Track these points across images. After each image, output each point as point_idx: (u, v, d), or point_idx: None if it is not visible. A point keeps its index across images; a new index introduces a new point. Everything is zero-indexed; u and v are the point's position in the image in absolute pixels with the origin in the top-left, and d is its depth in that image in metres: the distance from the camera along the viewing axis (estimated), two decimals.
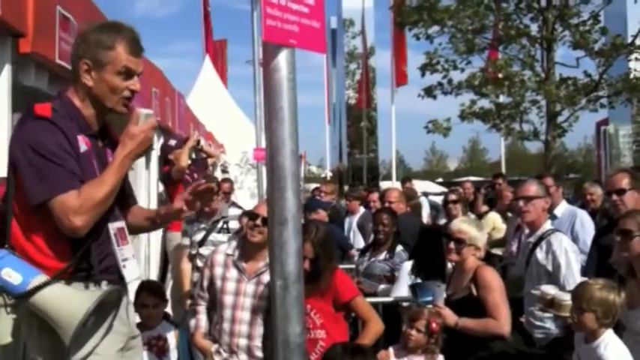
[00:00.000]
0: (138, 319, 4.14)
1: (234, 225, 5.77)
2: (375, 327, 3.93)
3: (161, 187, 7.20)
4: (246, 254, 3.95)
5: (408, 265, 5.46)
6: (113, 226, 2.57)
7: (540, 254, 4.40)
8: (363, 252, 6.30)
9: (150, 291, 4.40)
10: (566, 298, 3.68)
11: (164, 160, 7.10)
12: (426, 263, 5.51)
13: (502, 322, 3.88)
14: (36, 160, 2.36)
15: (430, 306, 3.98)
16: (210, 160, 9.06)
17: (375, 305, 4.57)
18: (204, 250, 5.64)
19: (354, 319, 4.49)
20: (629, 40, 15.97)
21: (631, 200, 4.29)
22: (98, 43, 2.49)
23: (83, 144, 2.48)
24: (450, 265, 4.59)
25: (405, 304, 5.18)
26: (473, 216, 7.43)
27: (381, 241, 5.82)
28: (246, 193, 12.99)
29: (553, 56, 16.11)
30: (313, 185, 18.65)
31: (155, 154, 6.80)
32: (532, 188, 4.67)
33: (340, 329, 3.99)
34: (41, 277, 2.35)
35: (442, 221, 8.28)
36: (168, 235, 7.12)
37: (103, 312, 2.45)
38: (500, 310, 3.88)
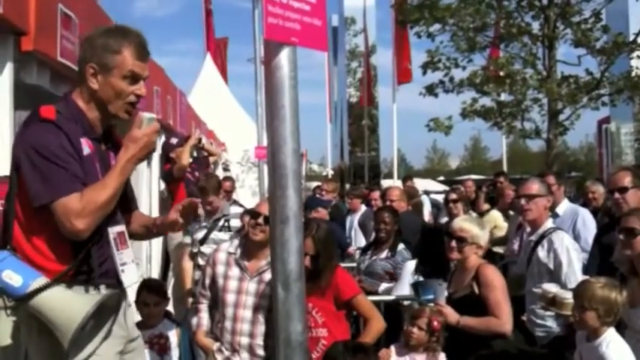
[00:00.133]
0: (139, 318, 4.14)
1: (235, 223, 5.77)
2: (377, 325, 3.93)
3: (162, 186, 7.21)
4: (248, 253, 3.95)
5: (411, 264, 5.46)
6: (113, 230, 2.57)
7: (542, 252, 4.40)
8: (364, 250, 6.30)
9: (151, 289, 4.40)
10: (568, 297, 3.67)
11: (165, 159, 7.11)
12: (430, 264, 5.52)
13: (504, 320, 3.87)
14: (39, 162, 2.36)
15: (432, 304, 3.98)
16: (211, 159, 9.06)
17: (376, 304, 4.57)
18: (206, 249, 5.64)
19: (355, 317, 4.50)
20: (631, 38, 15.95)
21: (633, 198, 4.28)
22: (105, 47, 2.50)
23: (86, 147, 2.48)
24: (452, 264, 4.59)
25: (406, 302, 5.18)
26: (474, 214, 7.43)
27: (383, 239, 5.82)
28: (248, 192, 12.98)
29: (555, 54, 16.09)
30: (314, 184, 18.64)
31: (156, 152, 6.80)
32: (534, 187, 4.67)
33: (342, 328, 3.99)
34: (41, 280, 2.35)
35: (444, 219, 8.27)
36: (170, 233, 7.12)
37: (102, 316, 2.45)
38: (501, 308, 3.87)
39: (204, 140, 8.65)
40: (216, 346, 3.92)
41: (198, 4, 20.19)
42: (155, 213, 6.93)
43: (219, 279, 3.96)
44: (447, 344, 3.95)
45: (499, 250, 6.91)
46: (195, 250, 5.80)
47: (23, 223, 2.46)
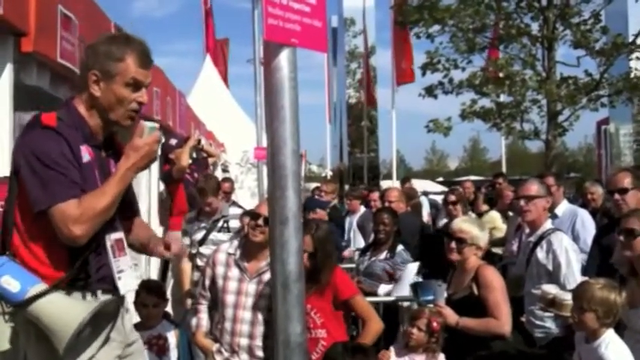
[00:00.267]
0: (137, 319, 4.14)
1: (234, 224, 5.77)
2: (375, 326, 3.93)
3: (162, 187, 7.20)
4: (247, 254, 3.95)
5: (413, 266, 5.46)
6: (111, 238, 2.57)
7: (541, 253, 4.40)
8: (363, 251, 6.31)
9: (150, 290, 4.39)
10: (567, 298, 3.67)
11: (165, 160, 7.09)
12: (429, 265, 5.53)
13: (503, 321, 3.88)
14: (39, 168, 2.36)
15: (431, 305, 3.98)
16: (210, 160, 9.06)
17: (376, 305, 4.57)
18: (205, 250, 5.64)
19: (354, 318, 4.50)
20: (630, 39, 15.94)
21: (633, 199, 4.29)
22: (108, 54, 2.50)
23: (86, 154, 2.48)
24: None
25: (405, 303, 5.18)
26: (473, 215, 7.43)
27: (382, 240, 5.82)
28: (247, 193, 12.98)
29: (554, 55, 16.08)
30: (314, 184, 18.65)
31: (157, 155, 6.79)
32: (533, 188, 4.67)
33: (340, 328, 3.99)
34: (39, 286, 2.35)
35: (443, 221, 8.27)
36: (169, 234, 7.11)
37: (99, 323, 2.45)
38: (501, 309, 3.88)
39: (203, 141, 8.65)
40: (215, 347, 3.92)
41: (198, 5, 20.15)
42: (154, 214, 6.93)
43: (218, 280, 3.96)
44: (446, 345, 3.95)
45: (498, 251, 6.91)
46: (194, 251, 5.79)
47: (22, 229, 2.46)
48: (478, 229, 4.17)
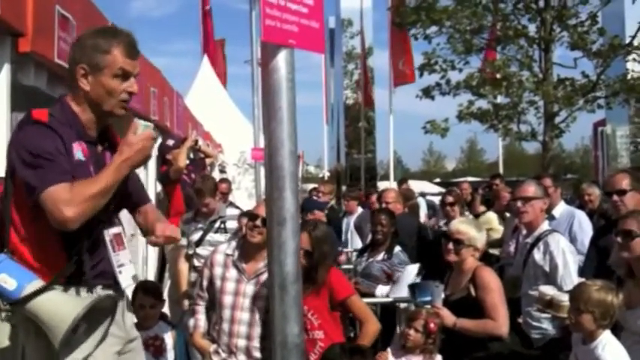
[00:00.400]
0: (135, 320, 4.14)
1: (231, 225, 5.77)
2: (372, 327, 3.93)
3: (159, 187, 7.20)
4: (245, 255, 3.95)
5: (412, 268, 5.46)
6: (109, 233, 2.58)
7: (538, 255, 4.40)
8: (361, 252, 6.30)
9: (147, 291, 4.39)
10: (565, 299, 3.67)
11: (162, 160, 7.10)
12: (426, 265, 5.53)
13: (500, 322, 3.88)
14: (30, 159, 2.36)
15: (428, 306, 3.98)
16: (208, 160, 9.07)
17: (373, 306, 4.57)
18: (202, 250, 5.64)
19: (351, 319, 4.49)
20: (627, 40, 15.96)
21: (631, 201, 4.29)
22: (95, 47, 2.49)
23: (79, 151, 2.48)
24: None
25: (403, 304, 5.18)
26: (470, 216, 7.43)
27: (380, 241, 5.83)
28: (244, 193, 12.98)
29: (551, 57, 16.09)
30: (311, 185, 18.64)
31: (153, 154, 6.80)
32: (530, 189, 4.67)
33: (337, 329, 4.00)
34: (36, 283, 2.36)
35: (442, 222, 8.27)
36: (165, 225, 7.10)
37: (96, 318, 2.45)
38: (498, 310, 3.88)
39: (200, 142, 8.65)
40: (213, 347, 3.91)
41: (196, 5, 20.18)
42: None
43: (216, 281, 3.96)
44: (443, 346, 3.95)
45: (495, 252, 6.91)
46: (191, 251, 5.79)
47: (18, 227, 2.46)
48: (476, 230, 4.17)
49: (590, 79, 15.88)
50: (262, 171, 8.84)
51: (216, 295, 3.95)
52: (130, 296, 3.80)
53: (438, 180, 44.72)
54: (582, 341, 3.39)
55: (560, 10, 15.75)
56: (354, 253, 7.93)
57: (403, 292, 5.08)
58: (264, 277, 3.75)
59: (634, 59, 15.74)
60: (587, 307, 3.28)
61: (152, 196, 6.80)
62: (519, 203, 4.64)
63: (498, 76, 15.99)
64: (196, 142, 7.96)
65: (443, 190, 13.56)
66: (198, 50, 19.14)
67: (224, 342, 3.86)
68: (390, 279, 5.57)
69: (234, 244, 4.09)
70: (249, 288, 3.87)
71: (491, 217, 7.74)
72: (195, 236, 5.78)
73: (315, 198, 10.39)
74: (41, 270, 2.41)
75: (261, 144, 8.65)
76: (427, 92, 17.11)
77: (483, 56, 17.19)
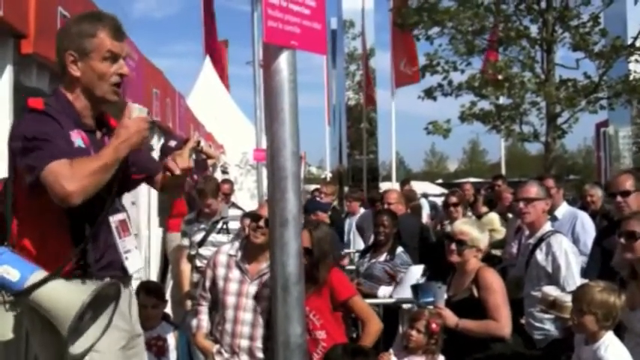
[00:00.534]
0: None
1: (233, 226, 5.78)
2: (375, 327, 3.93)
3: None
4: (249, 255, 3.95)
5: (416, 269, 5.45)
6: (114, 219, 2.60)
7: (540, 256, 4.40)
8: (363, 253, 6.30)
9: (149, 292, 4.40)
10: (568, 300, 3.67)
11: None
12: (429, 266, 5.52)
13: (503, 323, 3.87)
14: (28, 144, 2.36)
15: (431, 307, 3.98)
16: (210, 161, 9.06)
17: (376, 307, 4.56)
18: (204, 251, 5.65)
19: (354, 319, 4.49)
20: (629, 41, 15.93)
21: (635, 202, 4.28)
22: (80, 33, 2.50)
23: (79, 139, 2.48)
24: None
25: (405, 305, 5.17)
26: (473, 217, 7.42)
27: (382, 242, 5.82)
28: (246, 194, 12.97)
29: (553, 58, 16.07)
30: (313, 186, 18.64)
31: (155, 154, 6.80)
32: (533, 190, 4.67)
33: (340, 330, 4.00)
34: (39, 274, 2.37)
35: (444, 223, 8.26)
36: (168, 235, 7.13)
37: (101, 305, 2.45)
38: (501, 311, 3.87)
39: (202, 143, 8.66)
40: (215, 348, 3.92)
41: (197, 6, 20.14)
42: (154, 214, 6.94)
43: (219, 281, 3.96)
44: (445, 347, 3.95)
45: (497, 253, 6.90)
46: (193, 252, 5.80)
47: (21, 219, 2.47)
48: (478, 231, 4.17)
49: (592, 80, 15.85)
50: (264, 172, 8.84)
51: (218, 296, 3.95)
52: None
53: (440, 181, 44.69)
54: (585, 342, 3.39)
55: (562, 11, 15.73)
56: (357, 254, 7.92)
57: (406, 293, 5.08)
58: (267, 277, 3.75)
59: (636, 60, 15.70)
60: (590, 308, 3.28)
61: (154, 196, 6.81)
62: (522, 204, 4.64)
63: (500, 77, 15.98)
64: (198, 142, 7.96)
65: (445, 191, 13.56)
66: (200, 51, 19.13)
67: (227, 342, 3.86)
68: (392, 280, 5.56)
69: (237, 244, 4.10)
70: (252, 289, 3.87)
71: (494, 218, 7.73)
72: (198, 237, 5.79)
73: (317, 199, 10.38)
74: (44, 262, 2.41)
75: (264, 145, 8.65)
76: (429, 93, 17.10)
77: (485, 57, 17.18)
